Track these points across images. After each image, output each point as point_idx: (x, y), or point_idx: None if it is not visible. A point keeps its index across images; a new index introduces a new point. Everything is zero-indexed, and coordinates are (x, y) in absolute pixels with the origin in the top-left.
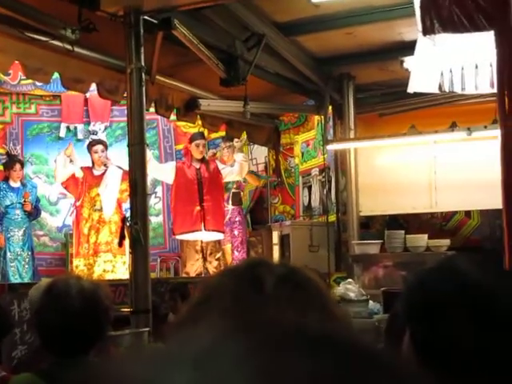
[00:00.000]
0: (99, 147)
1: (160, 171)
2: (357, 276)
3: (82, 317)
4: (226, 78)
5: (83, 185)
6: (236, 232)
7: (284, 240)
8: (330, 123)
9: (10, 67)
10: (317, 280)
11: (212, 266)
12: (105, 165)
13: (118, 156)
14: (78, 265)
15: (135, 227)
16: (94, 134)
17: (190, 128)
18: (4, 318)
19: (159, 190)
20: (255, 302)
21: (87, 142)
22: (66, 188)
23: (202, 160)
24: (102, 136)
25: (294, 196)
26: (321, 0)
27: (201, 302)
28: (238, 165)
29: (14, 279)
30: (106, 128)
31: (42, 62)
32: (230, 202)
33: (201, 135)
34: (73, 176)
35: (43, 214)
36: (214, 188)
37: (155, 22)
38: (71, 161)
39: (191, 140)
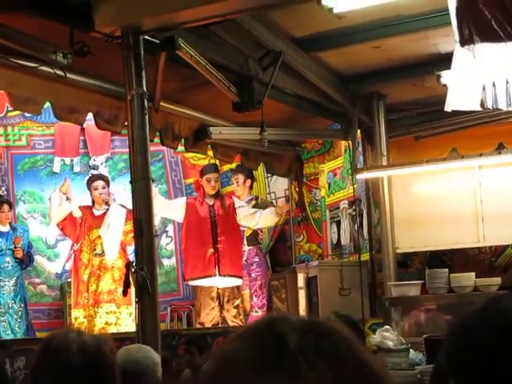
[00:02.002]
0: (100, 183)
1: (169, 209)
2: (395, 322)
3: (84, 376)
4: (239, 102)
5: (82, 226)
6: (254, 275)
7: (311, 283)
8: (360, 149)
9: None
10: (345, 330)
11: (230, 315)
12: (106, 203)
13: (122, 191)
14: (78, 316)
15: (141, 273)
16: (94, 168)
17: (200, 160)
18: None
19: (170, 228)
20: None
21: (86, 177)
22: (62, 230)
23: (216, 195)
24: (103, 170)
25: (321, 233)
26: (344, 10)
27: (218, 375)
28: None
29: (6, 335)
30: (106, 160)
31: (31, 90)
32: (246, 242)
33: (213, 168)
34: (70, 216)
35: (40, 259)
36: (230, 227)
37: (157, 41)
38: (68, 198)
39: (202, 174)
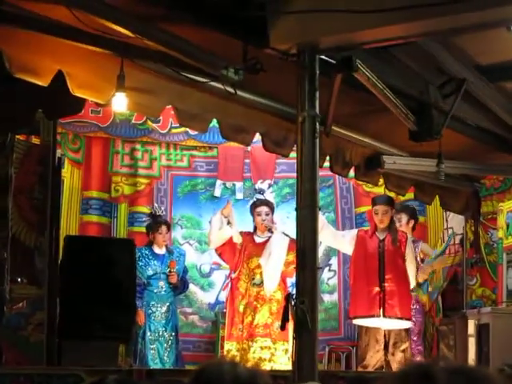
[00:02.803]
0: (263, 209)
1: (337, 240)
2: None
3: None
4: (416, 131)
5: (242, 253)
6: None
7: (482, 331)
8: None
9: (161, 113)
10: (500, 379)
11: (395, 360)
12: (269, 230)
13: (285, 219)
14: (230, 349)
15: (301, 307)
16: (260, 192)
17: (375, 187)
18: None
19: (334, 261)
20: None
21: (250, 202)
22: (220, 255)
23: (389, 230)
24: (269, 196)
25: (496, 277)
26: None
27: None
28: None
29: (154, 364)
30: (269, 186)
31: (199, 106)
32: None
33: (383, 199)
34: (230, 241)
35: (193, 288)
36: (399, 266)
37: (333, 62)
38: (229, 222)
39: (372, 204)
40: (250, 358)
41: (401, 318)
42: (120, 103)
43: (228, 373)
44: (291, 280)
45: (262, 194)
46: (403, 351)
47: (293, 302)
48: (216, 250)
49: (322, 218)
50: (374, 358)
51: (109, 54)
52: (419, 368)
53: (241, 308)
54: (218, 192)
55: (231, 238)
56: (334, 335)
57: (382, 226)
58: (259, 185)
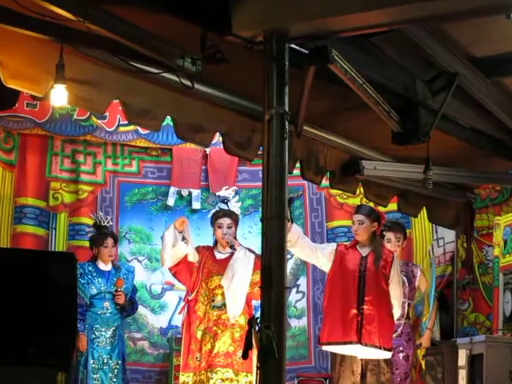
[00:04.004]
0: (225, 221)
1: (314, 254)
2: None
3: None
4: (400, 133)
5: (200, 271)
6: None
7: (474, 362)
8: None
9: (107, 108)
10: None
11: None
12: (231, 246)
13: (247, 234)
14: (186, 382)
15: (267, 332)
16: (224, 201)
17: (350, 198)
18: None
19: (303, 282)
20: None
21: (210, 212)
22: (174, 275)
23: (372, 245)
24: (234, 206)
25: (491, 302)
26: None
27: None
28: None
29: None
30: (236, 193)
31: (151, 102)
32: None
33: (363, 210)
34: (185, 260)
35: (142, 311)
36: (381, 288)
37: (305, 52)
38: (184, 239)
39: (355, 213)
40: None
41: (379, 348)
42: (59, 96)
43: None
44: (257, 303)
45: (226, 203)
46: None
47: (257, 327)
48: (170, 269)
49: (298, 228)
50: None
51: (46, 39)
52: None
53: (198, 334)
54: (171, 201)
55: (186, 257)
56: (303, 364)
57: (358, 238)
58: (223, 192)
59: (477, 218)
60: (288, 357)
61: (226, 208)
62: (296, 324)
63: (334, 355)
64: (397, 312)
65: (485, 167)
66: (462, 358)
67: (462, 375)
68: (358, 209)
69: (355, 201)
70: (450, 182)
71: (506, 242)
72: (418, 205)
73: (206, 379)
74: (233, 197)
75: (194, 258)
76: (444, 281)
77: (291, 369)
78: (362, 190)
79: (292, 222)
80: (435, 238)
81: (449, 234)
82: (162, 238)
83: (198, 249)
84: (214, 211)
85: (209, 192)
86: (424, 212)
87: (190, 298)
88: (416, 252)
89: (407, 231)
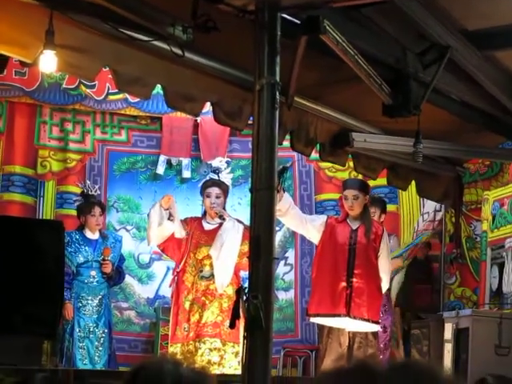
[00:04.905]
0: (214, 191)
1: (304, 225)
2: None
3: None
4: (391, 105)
5: (188, 242)
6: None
7: (460, 336)
8: None
9: (96, 75)
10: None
11: None
12: (220, 217)
13: (236, 205)
14: (175, 352)
15: (254, 302)
16: (215, 172)
17: (339, 172)
18: None
19: (291, 254)
20: None
21: (201, 182)
22: (163, 251)
23: (363, 219)
24: (226, 177)
25: (479, 276)
26: None
27: None
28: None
29: (83, 364)
30: (228, 164)
31: (141, 69)
32: None
33: (353, 183)
34: (172, 236)
35: (129, 280)
36: (371, 261)
37: (297, 22)
38: (171, 216)
39: (343, 188)
40: (198, 362)
41: (367, 320)
42: (49, 63)
43: (169, 374)
44: (246, 273)
45: (218, 173)
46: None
47: (245, 297)
48: (158, 246)
49: (289, 198)
50: (335, 364)
51: (36, 4)
52: (359, 363)
53: (186, 304)
54: (161, 170)
55: (173, 235)
56: (289, 337)
57: (352, 213)
58: (215, 162)
59: (465, 193)
60: (275, 329)
61: (217, 178)
62: (283, 297)
63: (321, 327)
64: (385, 285)
65: (475, 141)
66: (448, 332)
67: (448, 349)
68: (351, 184)
69: (344, 175)
70: (439, 156)
71: (494, 217)
72: (407, 178)
73: (194, 349)
74: (225, 168)
75: (181, 234)
76: (417, 249)
77: (278, 341)
78: (350, 164)
79: (284, 191)
80: (421, 212)
81: (431, 206)
82: (148, 216)
83: (186, 220)
84: (204, 181)
85: (199, 161)
86: (412, 188)
87: (178, 270)
88: (403, 228)
89: (395, 206)
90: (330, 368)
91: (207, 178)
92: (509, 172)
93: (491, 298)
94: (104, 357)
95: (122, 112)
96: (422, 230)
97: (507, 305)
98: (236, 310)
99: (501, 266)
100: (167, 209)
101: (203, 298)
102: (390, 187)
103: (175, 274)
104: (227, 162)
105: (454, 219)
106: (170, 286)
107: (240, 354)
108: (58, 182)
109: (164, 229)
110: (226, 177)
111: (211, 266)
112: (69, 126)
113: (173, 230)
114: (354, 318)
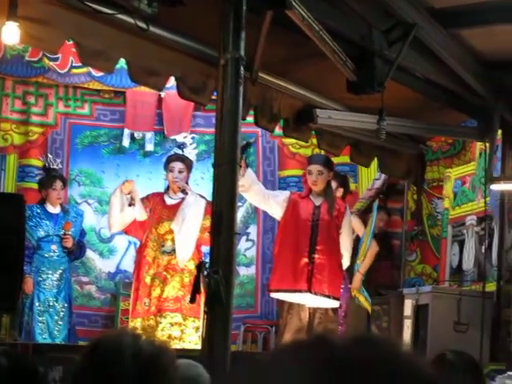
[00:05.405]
0: (177, 165)
1: (266, 200)
2: None
3: None
4: (355, 82)
5: (150, 217)
6: None
7: (420, 312)
8: (498, 154)
9: (60, 48)
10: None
11: None
12: (183, 191)
13: (199, 180)
14: (135, 327)
15: (215, 277)
16: (180, 147)
17: (303, 148)
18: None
19: (253, 230)
20: None
21: (165, 157)
22: (126, 233)
23: (326, 195)
24: (190, 153)
25: (439, 253)
26: None
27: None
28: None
29: (42, 338)
30: (193, 140)
31: (105, 43)
32: None
33: (320, 159)
34: (133, 222)
35: (90, 254)
36: (333, 238)
37: None
38: (132, 200)
39: (308, 163)
40: (158, 336)
41: (328, 296)
42: (12, 34)
43: (129, 347)
44: (207, 248)
45: (182, 148)
46: None
47: (205, 272)
48: (121, 230)
49: (252, 174)
50: (294, 337)
51: None
52: (318, 335)
53: (147, 279)
54: (126, 142)
55: (135, 220)
56: (249, 313)
57: (315, 188)
58: (180, 137)
59: (428, 171)
60: (235, 305)
61: (181, 153)
62: (244, 272)
63: (281, 303)
64: (346, 262)
65: (438, 119)
66: (408, 308)
67: (408, 325)
68: (315, 159)
69: (307, 151)
70: (402, 133)
71: (455, 195)
72: (370, 155)
73: (155, 324)
74: (190, 144)
75: (142, 217)
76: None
77: (237, 317)
78: (314, 141)
79: (247, 166)
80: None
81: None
82: (109, 202)
83: (147, 197)
84: (168, 155)
85: (163, 136)
86: (373, 166)
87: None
88: None
89: (354, 185)
90: (289, 341)
91: (171, 152)
92: (471, 150)
93: (451, 275)
94: (64, 331)
95: (86, 86)
96: (361, 198)
97: (467, 282)
98: (197, 285)
99: (461, 244)
100: (128, 193)
101: (165, 273)
102: (350, 165)
103: (137, 253)
104: (192, 138)
105: (415, 196)
106: (135, 262)
107: (200, 329)
108: (20, 155)
109: (125, 215)
110: (190, 152)
111: (173, 240)
112: (31, 99)
113: (134, 216)
114: (315, 293)
